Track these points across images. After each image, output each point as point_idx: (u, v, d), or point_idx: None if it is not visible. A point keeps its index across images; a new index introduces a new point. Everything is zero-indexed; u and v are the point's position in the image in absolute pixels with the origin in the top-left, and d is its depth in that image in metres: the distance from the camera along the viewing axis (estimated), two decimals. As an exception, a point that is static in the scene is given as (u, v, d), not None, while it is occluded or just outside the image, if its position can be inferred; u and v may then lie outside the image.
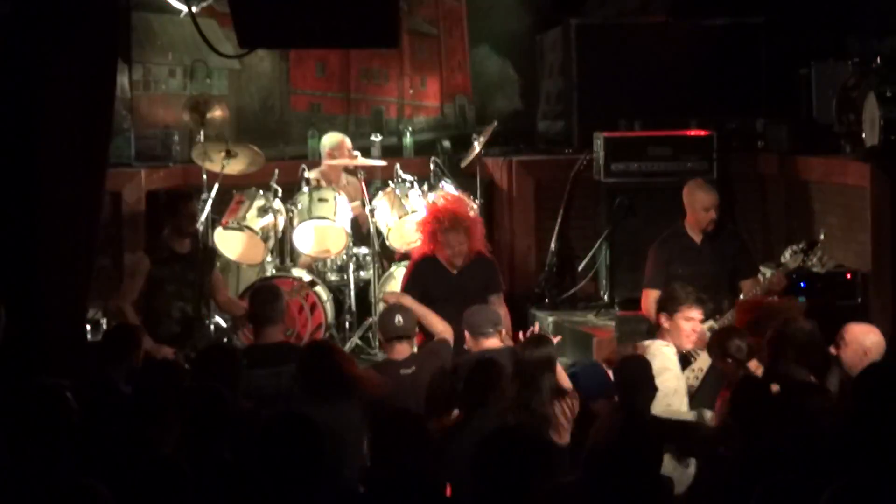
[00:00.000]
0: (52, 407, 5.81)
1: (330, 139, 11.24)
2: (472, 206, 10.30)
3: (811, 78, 11.40)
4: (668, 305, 8.50)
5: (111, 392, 6.94)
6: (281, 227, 10.58)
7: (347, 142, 11.22)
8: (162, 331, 9.03)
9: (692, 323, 8.46)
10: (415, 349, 8.43)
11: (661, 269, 9.32)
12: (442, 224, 9.38)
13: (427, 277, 9.38)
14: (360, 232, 10.87)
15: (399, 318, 8.26)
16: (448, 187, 10.81)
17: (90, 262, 7.82)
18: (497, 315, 8.65)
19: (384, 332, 8.29)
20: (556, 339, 8.24)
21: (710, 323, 8.89)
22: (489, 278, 9.51)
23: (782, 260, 9.41)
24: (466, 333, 8.42)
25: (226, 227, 10.39)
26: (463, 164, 11.27)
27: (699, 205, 9.38)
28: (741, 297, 9.17)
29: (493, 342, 8.32)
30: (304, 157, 11.80)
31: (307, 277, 10.45)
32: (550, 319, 10.81)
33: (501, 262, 11.03)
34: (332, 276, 10.73)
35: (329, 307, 10.41)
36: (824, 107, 11.12)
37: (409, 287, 9.36)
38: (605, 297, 11.17)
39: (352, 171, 11.18)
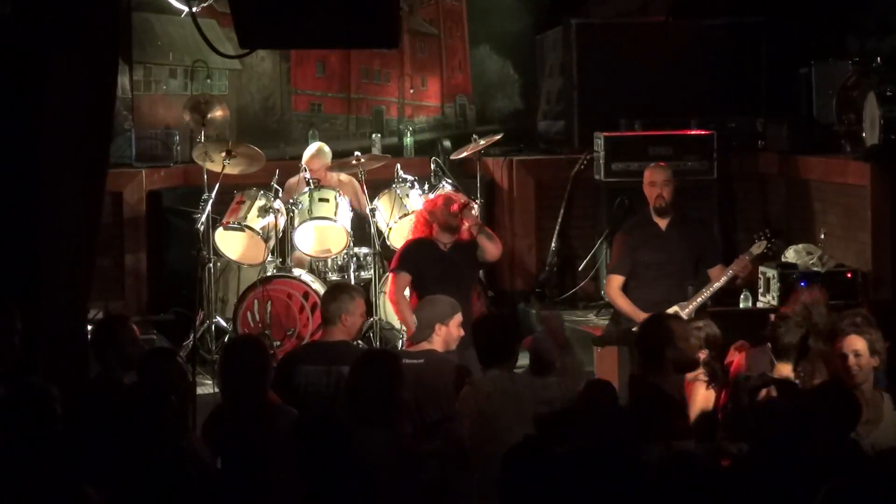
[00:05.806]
0: (33, 409, 5.81)
1: (309, 150, 11.06)
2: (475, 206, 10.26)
3: (811, 78, 11.41)
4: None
5: (112, 389, 6.93)
6: (281, 227, 10.58)
7: (325, 150, 11.03)
8: None
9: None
10: (432, 346, 8.09)
11: (627, 256, 9.42)
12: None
13: (419, 256, 9.33)
14: (362, 228, 10.78)
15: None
16: (448, 187, 10.80)
17: (90, 262, 7.81)
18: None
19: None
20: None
21: (675, 308, 8.93)
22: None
23: (783, 257, 9.41)
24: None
25: (227, 227, 10.41)
26: (453, 156, 11.25)
27: (646, 180, 9.56)
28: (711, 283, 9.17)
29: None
30: (304, 157, 11.78)
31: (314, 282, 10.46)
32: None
33: (502, 262, 11.05)
34: (333, 276, 10.73)
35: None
36: (824, 107, 11.13)
37: (400, 265, 9.29)
38: (605, 296, 11.18)
39: (351, 168, 11.09)
